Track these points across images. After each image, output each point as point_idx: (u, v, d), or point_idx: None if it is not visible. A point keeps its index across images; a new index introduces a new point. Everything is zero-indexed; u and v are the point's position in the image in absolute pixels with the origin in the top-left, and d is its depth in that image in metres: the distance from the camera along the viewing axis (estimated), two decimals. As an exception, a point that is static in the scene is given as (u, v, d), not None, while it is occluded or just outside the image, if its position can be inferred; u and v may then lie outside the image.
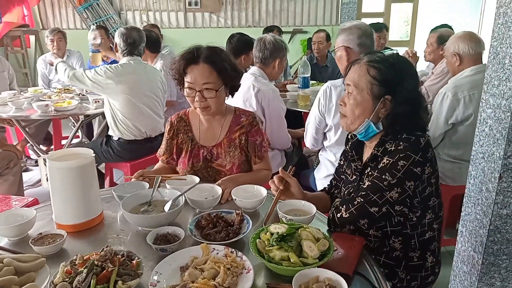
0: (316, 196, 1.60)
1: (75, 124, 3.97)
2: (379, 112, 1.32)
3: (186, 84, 1.69)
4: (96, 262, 1.02)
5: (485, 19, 5.63)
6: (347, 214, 1.30)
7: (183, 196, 1.42)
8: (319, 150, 2.36)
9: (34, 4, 5.99)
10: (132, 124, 2.85)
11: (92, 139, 4.02)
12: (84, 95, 3.55)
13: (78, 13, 6.21)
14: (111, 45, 4.33)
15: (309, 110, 3.21)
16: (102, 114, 3.46)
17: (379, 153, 1.33)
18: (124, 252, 1.11)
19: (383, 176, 1.27)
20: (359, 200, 1.29)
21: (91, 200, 1.37)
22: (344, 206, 1.32)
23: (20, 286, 1.01)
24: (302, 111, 3.26)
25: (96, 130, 4.08)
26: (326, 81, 4.33)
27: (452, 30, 3.32)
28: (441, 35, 2.85)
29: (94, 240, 1.33)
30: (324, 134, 2.24)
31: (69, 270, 1.02)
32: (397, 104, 1.29)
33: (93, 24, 6.19)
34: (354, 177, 1.47)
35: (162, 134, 3.16)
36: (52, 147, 4.33)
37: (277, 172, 1.49)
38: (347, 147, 1.54)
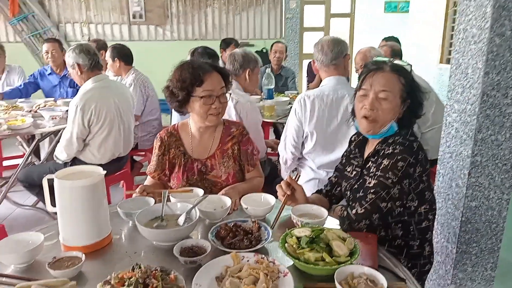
0: (315, 199, 1.69)
1: (22, 143, 3.71)
2: (398, 114, 1.48)
3: (203, 93, 1.70)
4: (139, 280, 1.00)
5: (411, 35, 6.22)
6: (362, 210, 1.41)
7: (195, 208, 1.42)
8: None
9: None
10: (109, 147, 2.74)
11: (43, 159, 3.76)
12: (36, 111, 3.33)
13: (11, 25, 5.79)
14: (63, 59, 4.13)
15: (275, 120, 3.35)
16: (56, 132, 3.28)
17: (381, 149, 1.47)
18: (158, 267, 1.09)
19: (387, 175, 1.40)
20: (371, 197, 1.41)
21: (101, 219, 1.33)
22: (357, 203, 1.43)
23: (57, 313, 0.96)
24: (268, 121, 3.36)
25: (46, 149, 3.82)
26: (281, 89, 4.58)
27: (399, 42, 3.63)
28: (393, 48, 3.11)
29: (109, 260, 1.28)
30: (302, 143, 2.34)
31: (110, 290, 0.99)
32: (413, 107, 1.47)
33: (29, 37, 5.83)
34: (354, 173, 1.60)
35: (130, 150, 3.09)
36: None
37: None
38: (351, 146, 1.68)
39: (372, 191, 1.41)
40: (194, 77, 1.69)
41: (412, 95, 1.46)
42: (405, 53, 3.39)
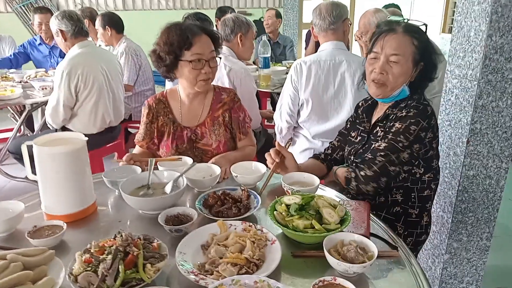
0: (309, 165, 1.64)
1: (15, 115, 3.65)
2: (410, 78, 1.40)
3: (192, 57, 1.62)
4: (119, 248, 0.96)
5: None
6: (371, 172, 1.37)
7: (182, 176, 1.37)
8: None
9: None
10: (100, 115, 2.68)
11: (37, 131, 3.71)
12: (27, 82, 3.25)
13: (1, -6, 5.61)
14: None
15: (271, 90, 3.27)
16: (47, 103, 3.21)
17: (392, 113, 1.41)
18: (140, 236, 1.05)
19: (398, 138, 1.35)
20: (380, 159, 1.36)
21: (85, 187, 1.28)
22: (366, 165, 1.39)
23: (34, 282, 0.92)
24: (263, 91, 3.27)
25: (39, 121, 3.77)
26: (279, 58, 4.47)
27: (400, 9, 3.49)
28: (393, 15, 2.98)
29: (93, 229, 1.25)
30: (298, 112, 2.28)
31: (88, 259, 0.95)
32: (427, 70, 1.40)
33: (20, 7, 5.65)
34: (359, 138, 1.55)
35: (122, 122, 3.03)
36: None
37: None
38: (358, 111, 1.62)
39: (382, 153, 1.36)
40: (182, 39, 1.61)
41: (426, 57, 1.39)
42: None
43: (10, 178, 3.36)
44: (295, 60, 4.56)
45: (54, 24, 2.55)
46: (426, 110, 1.37)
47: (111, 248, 0.97)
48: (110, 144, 2.89)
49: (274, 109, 4.14)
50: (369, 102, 1.58)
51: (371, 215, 1.26)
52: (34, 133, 3.72)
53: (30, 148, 1.25)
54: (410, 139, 1.34)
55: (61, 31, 2.55)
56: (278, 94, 3.50)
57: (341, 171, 1.51)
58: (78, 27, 2.56)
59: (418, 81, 1.42)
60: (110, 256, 0.93)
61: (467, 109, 1.83)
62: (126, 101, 3.32)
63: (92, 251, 0.99)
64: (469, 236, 2.04)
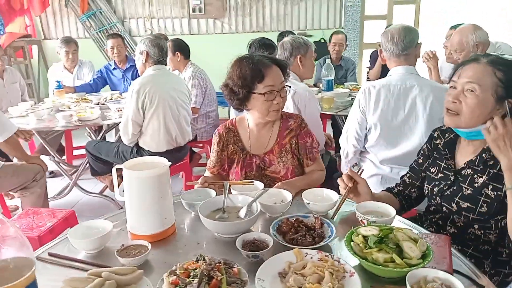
0: (382, 196, 1.61)
1: (91, 133, 3.94)
2: (494, 114, 1.31)
3: (265, 89, 1.67)
4: (204, 272, 1.00)
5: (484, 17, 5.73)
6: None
7: (256, 201, 1.40)
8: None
9: (38, 14, 5.91)
10: (167, 134, 2.84)
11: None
12: (103, 104, 3.51)
13: (81, 22, 6.15)
14: (127, 54, 4.33)
15: (335, 112, 3.26)
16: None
17: (491, 158, 1.34)
18: (221, 260, 1.09)
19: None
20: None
21: (167, 209, 1.35)
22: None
23: (125, 300, 0.99)
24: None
25: (113, 139, 4.04)
26: (341, 80, 4.44)
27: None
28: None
29: (173, 249, 1.31)
30: (365, 136, 2.25)
31: (175, 281, 1.00)
32: None
33: (97, 32, 6.15)
34: (440, 175, 1.49)
35: (189, 142, 3.16)
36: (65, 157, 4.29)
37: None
38: (437, 144, 1.55)
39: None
40: (255, 73, 1.66)
41: None
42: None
43: (85, 193, 3.61)
44: (356, 82, 4.52)
45: (144, 45, 2.77)
46: None
47: (196, 271, 1.01)
48: (178, 164, 3.02)
49: (334, 132, 4.13)
50: (451, 136, 1.50)
51: (453, 250, 1.21)
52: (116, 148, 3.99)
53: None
54: None
55: (147, 53, 2.77)
56: (340, 117, 3.50)
57: None
58: (162, 58, 2.79)
59: None
60: (196, 280, 0.97)
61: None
62: (192, 122, 3.46)
63: (178, 273, 1.04)
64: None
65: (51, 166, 3.60)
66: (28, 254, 0.80)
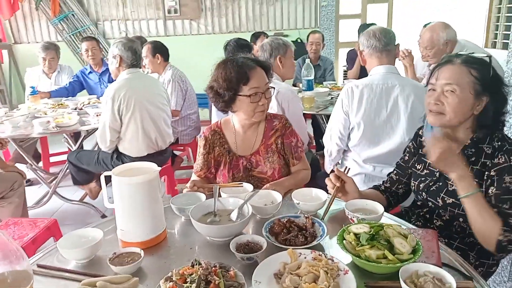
0: (369, 194, 1.64)
1: (68, 140, 3.84)
2: (474, 110, 1.37)
3: (250, 91, 1.68)
4: (201, 276, 1.00)
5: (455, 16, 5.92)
6: None
7: (247, 204, 1.41)
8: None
9: (7, 18, 5.72)
10: (146, 138, 2.80)
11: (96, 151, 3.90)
12: (81, 108, 3.44)
13: (53, 25, 5.99)
14: (102, 57, 4.25)
15: (316, 112, 3.30)
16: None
17: (473, 155, 1.38)
18: (217, 264, 1.09)
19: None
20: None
21: (157, 215, 1.34)
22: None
23: (122, 308, 0.98)
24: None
25: (92, 144, 3.96)
26: (320, 80, 4.50)
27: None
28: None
29: (166, 255, 1.30)
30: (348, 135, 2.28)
31: (173, 287, 1.00)
32: (494, 103, 1.36)
33: (70, 36, 6.01)
34: (426, 171, 1.53)
35: (171, 145, 3.14)
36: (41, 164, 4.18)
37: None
38: (422, 141, 1.59)
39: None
40: (240, 75, 1.67)
41: (491, 90, 1.35)
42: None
43: (65, 200, 3.53)
44: (334, 81, 4.58)
45: (118, 49, 2.71)
46: None
47: (192, 276, 1.01)
48: (160, 168, 2.98)
49: (315, 131, 4.17)
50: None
51: (440, 243, 1.25)
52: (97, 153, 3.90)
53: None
54: None
55: (121, 58, 2.72)
56: (321, 116, 3.54)
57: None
58: (136, 61, 2.75)
59: (486, 115, 1.37)
60: (194, 285, 0.98)
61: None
62: (174, 125, 3.43)
63: (174, 279, 1.04)
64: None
65: (28, 174, 3.49)
66: (25, 267, 0.79)
